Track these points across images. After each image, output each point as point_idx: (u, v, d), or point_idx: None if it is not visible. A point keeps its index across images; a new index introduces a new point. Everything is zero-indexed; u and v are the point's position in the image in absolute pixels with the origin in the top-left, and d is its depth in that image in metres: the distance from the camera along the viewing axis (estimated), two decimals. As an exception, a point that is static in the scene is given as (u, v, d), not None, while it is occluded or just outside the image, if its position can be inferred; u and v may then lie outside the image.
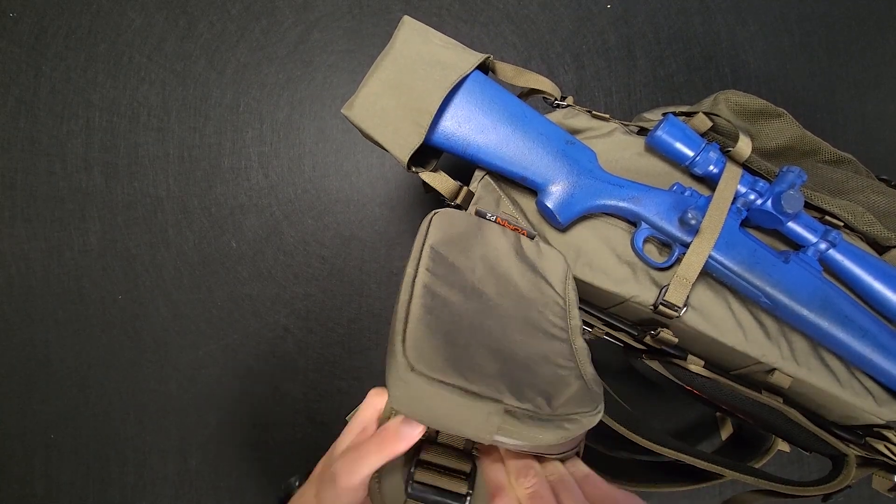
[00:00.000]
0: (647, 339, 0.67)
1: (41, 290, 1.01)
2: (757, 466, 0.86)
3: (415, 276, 0.48)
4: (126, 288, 1.02)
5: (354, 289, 1.04)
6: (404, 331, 0.42)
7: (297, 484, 0.57)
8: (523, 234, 0.62)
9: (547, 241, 0.66)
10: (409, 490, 0.46)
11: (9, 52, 1.02)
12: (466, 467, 0.47)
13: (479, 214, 0.62)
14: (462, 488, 0.46)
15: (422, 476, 0.46)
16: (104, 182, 1.02)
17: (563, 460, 0.48)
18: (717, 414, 1.07)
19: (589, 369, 0.49)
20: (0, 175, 1.01)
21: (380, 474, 0.49)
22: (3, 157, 1.01)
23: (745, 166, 0.68)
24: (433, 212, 0.57)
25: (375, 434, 0.47)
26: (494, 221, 0.62)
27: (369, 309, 1.04)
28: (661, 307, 0.63)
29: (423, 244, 0.52)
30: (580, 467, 0.48)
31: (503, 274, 0.55)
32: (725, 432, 1.05)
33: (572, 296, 0.58)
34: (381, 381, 1.00)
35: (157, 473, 1.02)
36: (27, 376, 1.00)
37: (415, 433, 0.45)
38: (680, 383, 0.70)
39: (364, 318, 1.04)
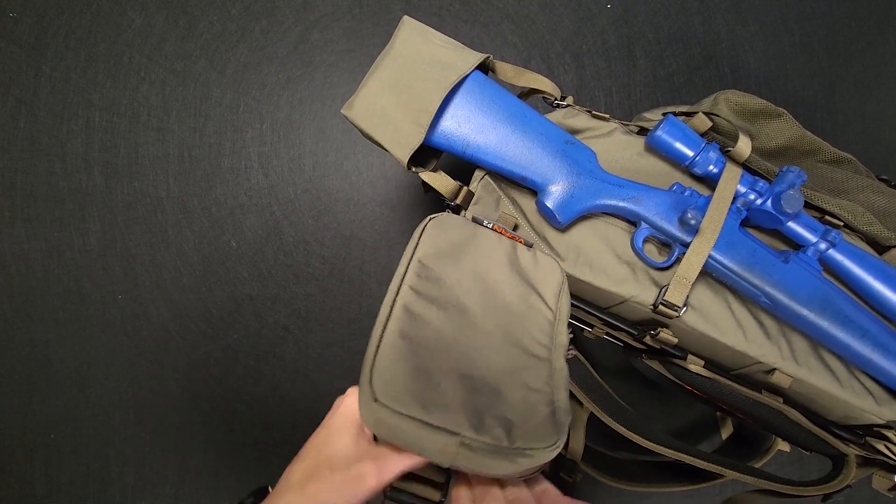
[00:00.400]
0: (647, 339, 0.67)
1: (41, 290, 1.01)
2: (757, 466, 0.86)
3: (396, 295, 0.51)
4: (126, 288, 1.02)
5: (354, 289, 1.05)
6: (374, 358, 0.44)
7: (250, 501, 0.57)
8: (520, 242, 0.62)
9: (547, 242, 0.66)
10: (387, 493, 0.47)
11: (9, 52, 1.02)
12: (441, 478, 0.49)
13: (476, 221, 0.62)
14: (435, 496, 0.48)
15: (399, 483, 0.48)
16: (104, 182, 1.02)
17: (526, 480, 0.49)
18: (718, 414, 1.07)
19: (562, 395, 0.49)
20: (0, 175, 1.01)
21: None
22: (3, 157, 1.01)
23: (745, 166, 0.68)
24: (428, 218, 0.58)
25: None
26: (491, 229, 0.62)
27: (369, 309, 1.04)
28: (660, 307, 0.63)
29: (412, 257, 0.54)
30: (540, 483, 0.49)
31: (491, 287, 0.55)
32: (726, 432, 1.05)
33: (564, 310, 0.58)
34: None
35: (157, 473, 1.02)
36: (27, 376, 1.01)
37: None
38: (680, 383, 0.70)
39: (364, 318, 1.04)
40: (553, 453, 0.44)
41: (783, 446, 0.90)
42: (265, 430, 1.03)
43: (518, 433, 0.43)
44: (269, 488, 0.57)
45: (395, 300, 0.50)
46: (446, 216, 0.59)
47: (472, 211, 0.65)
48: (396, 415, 0.41)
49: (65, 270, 1.01)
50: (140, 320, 1.02)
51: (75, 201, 1.02)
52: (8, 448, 1.00)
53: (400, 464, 0.46)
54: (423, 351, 0.46)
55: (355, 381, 1.00)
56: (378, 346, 0.45)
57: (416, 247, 0.54)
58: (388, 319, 0.48)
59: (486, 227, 0.61)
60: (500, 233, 0.61)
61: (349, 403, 0.50)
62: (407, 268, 0.53)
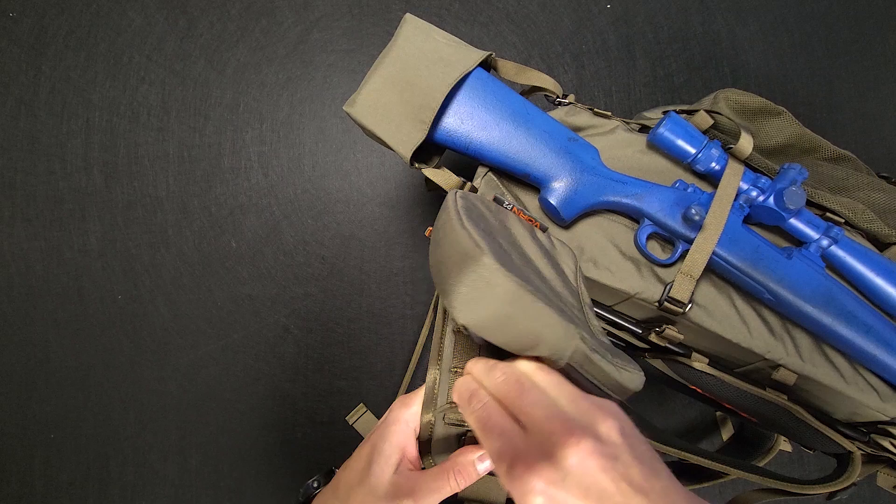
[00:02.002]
0: (652, 337, 0.67)
1: (41, 290, 1.01)
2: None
3: (459, 216, 0.45)
4: (126, 288, 1.02)
5: (354, 289, 1.04)
6: (474, 240, 0.40)
7: (315, 486, 0.57)
8: (536, 225, 0.62)
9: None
10: None
11: (9, 52, 1.02)
12: None
13: (497, 201, 0.62)
14: None
15: None
16: (104, 182, 1.02)
17: None
18: (718, 414, 1.07)
19: (607, 342, 0.49)
20: (0, 175, 1.00)
21: None
22: (3, 157, 1.01)
23: (747, 164, 0.68)
24: (453, 190, 0.57)
25: (454, 471, 0.47)
26: (511, 210, 0.61)
27: (369, 309, 1.04)
28: (666, 304, 0.63)
29: (455, 201, 0.50)
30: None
31: (524, 253, 0.53)
32: (726, 432, 1.04)
33: (584, 291, 0.57)
34: (380, 381, 0.99)
35: (156, 473, 1.01)
36: (27, 376, 1.00)
37: (489, 467, 0.47)
38: (683, 382, 0.70)
39: (364, 317, 1.04)
40: (641, 380, 0.45)
41: (785, 446, 0.90)
42: (265, 431, 1.02)
43: (610, 356, 0.43)
44: (334, 469, 0.58)
45: (461, 219, 0.45)
46: (470, 193, 0.58)
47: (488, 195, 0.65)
48: (524, 287, 0.37)
49: (65, 270, 1.01)
50: (140, 320, 1.02)
51: (75, 201, 1.02)
52: (8, 448, 1.00)
53: (436, 497, 0.46)
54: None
55: (356, 381, 0.99)
56: (472, 238, 0.40)
57: (455, 200, 0.52)
58: (463, 225, 0.43)
59: (506, 208, 0.61)
60: (519, 214, 0.61)
61: (392, 429, 0.50)
62: (456, 204, 0.49)
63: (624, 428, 0.39)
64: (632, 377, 0.43)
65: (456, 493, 0.48)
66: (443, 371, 0.52)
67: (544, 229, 0.63)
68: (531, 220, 0.62)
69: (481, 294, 0.37)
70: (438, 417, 0.50)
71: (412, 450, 0.50)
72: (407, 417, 0.50)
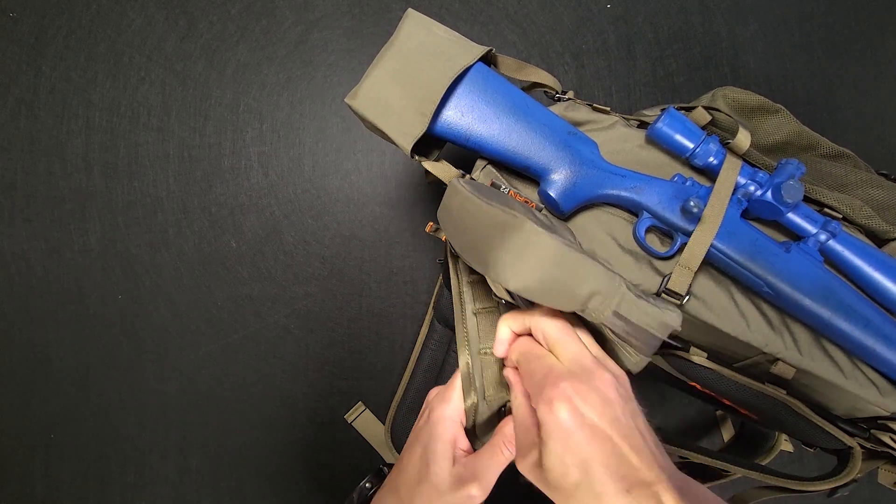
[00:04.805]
0: (650, 330, 0.67)
1: (41, 290, 1.01)
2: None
3: (478, 196, 0.48)
4: (126, 288, 1.02)
5: (354, 288, 1.04)
6: (507, 211, 0.43)
7: (368, 486, 0.59)
8: (532, 205, 0.63)
9: None
10: None
11: (9, 52, 1.02)
12: None
13: (495, 186, 0.63)
14: None
15: None
16: (104, 182, 1.02)
17: None
18: (718, 413, 1.06)
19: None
20: (0, 175, 1.01)
21: None
22: (3, 157, 1.01)
23: (745, 160, 0.68)
24: (455, 178, 0.58)
25: (504, 442, 0.51)
26: (507, 194, 0.62)
27: (369, 308, 1.04)
28: (663, 295, 0.63)
29: (464, 185, 0.53)
30: None
31: None
32: (726, 432, 1.04)
33: None
34: (380, 381, 0.99)
35: (157, 473, 1.01)
36: (27, 376, 1.00)
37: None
38: (683, 378, 0.70)
39: (364, 317, 1.04)
40: (680, 317, 0.48)
41: (786, 446, 0.89)
42: (265, 430, 1.02)
43: (652, 298, 0.47)
44: (384, 468, 0.60)
45: (478, 199, 0.49)
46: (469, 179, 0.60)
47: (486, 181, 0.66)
48: (567, 245, 0.40)
49: (65, 270, 1.01)
50: (140, 320, 1.02)
51: (75, 201, 1.02)
52: (8, 448, 1.00)
53: (496, 471, 0.50)
54: None
55: (356, 381, 0.99)
56: (508, 208, 0.44)
57: (463, 185, 0.54)
58: (480, 198, 0.47)
59: (503, 191, 0.63)
60: (515, 197, 0.62)
61: (440, 428, 0.54)
62: (464, 185, 0.52)
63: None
64: (673, 315, 0.46)
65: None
66: (473, 354, 0.56)
67: (540, 209, 0.64)
68: (527, 201, 0.63)
69: (527, 257, 0.40)
70: (480, 398, 0.54)
71: (463, 440, 0.54)
72: (450, 414, 0.54)
